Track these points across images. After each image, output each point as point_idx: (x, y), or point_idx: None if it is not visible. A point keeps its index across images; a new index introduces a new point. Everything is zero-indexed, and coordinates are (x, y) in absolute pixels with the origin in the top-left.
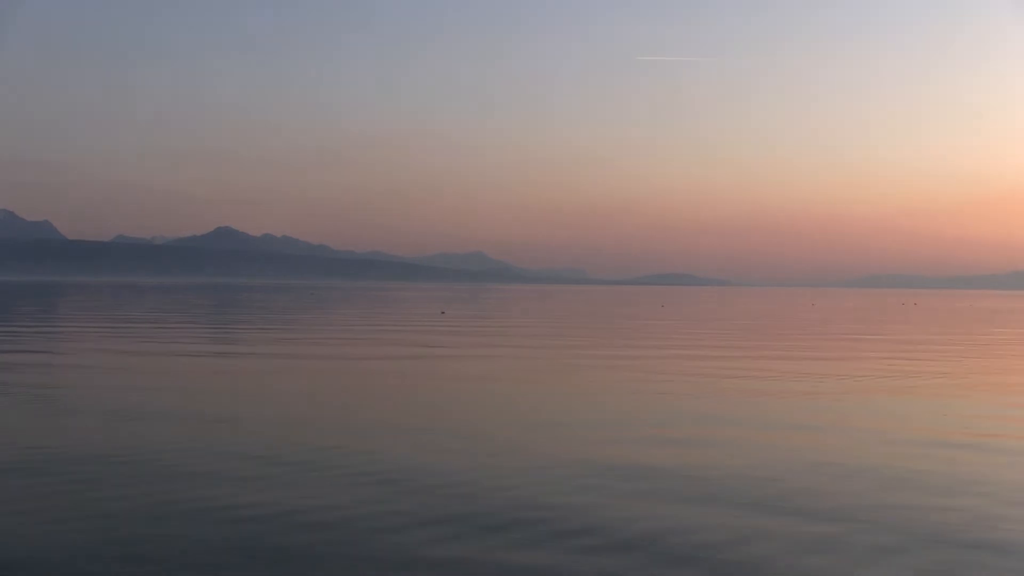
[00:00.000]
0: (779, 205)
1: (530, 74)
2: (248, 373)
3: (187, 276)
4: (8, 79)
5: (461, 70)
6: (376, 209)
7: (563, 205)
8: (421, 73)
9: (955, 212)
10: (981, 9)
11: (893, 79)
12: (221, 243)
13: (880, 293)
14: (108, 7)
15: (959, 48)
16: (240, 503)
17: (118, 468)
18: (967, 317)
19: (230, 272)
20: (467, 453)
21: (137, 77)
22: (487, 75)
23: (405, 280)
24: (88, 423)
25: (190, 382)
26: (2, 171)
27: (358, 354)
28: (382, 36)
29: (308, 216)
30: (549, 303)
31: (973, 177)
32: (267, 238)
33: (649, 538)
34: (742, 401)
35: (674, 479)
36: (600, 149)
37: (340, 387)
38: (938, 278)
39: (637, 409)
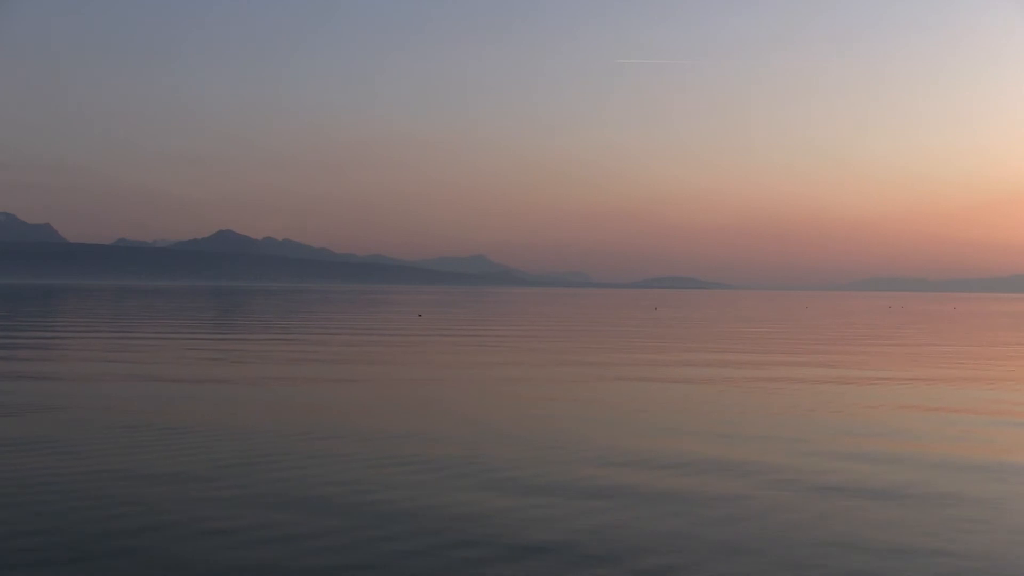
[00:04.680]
0: (781, 208)
1: (530, 77)
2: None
3: (188, 279)
4: (8, 80)
5: (461, 73)
6: (377, 212)
7: (565, 209)
8: (422, 77)
9: (957, 215)
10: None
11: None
12: (222, 246)
13: (879, 296)
14: (109, 9)
15: (961, 52)
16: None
17: None
18: (911, 322)
19: (231, 275)
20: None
21: (139, 79)
22: (488, 79)
23: (407, 283)
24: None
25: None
26: (3, 173)
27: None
28: (382, 41)
29: (309, 219)
30: (537, 307)
31: (975, 180)
32: (268, 241)
33: None
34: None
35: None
36: (601, 152)
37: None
38: (939, 281)
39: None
